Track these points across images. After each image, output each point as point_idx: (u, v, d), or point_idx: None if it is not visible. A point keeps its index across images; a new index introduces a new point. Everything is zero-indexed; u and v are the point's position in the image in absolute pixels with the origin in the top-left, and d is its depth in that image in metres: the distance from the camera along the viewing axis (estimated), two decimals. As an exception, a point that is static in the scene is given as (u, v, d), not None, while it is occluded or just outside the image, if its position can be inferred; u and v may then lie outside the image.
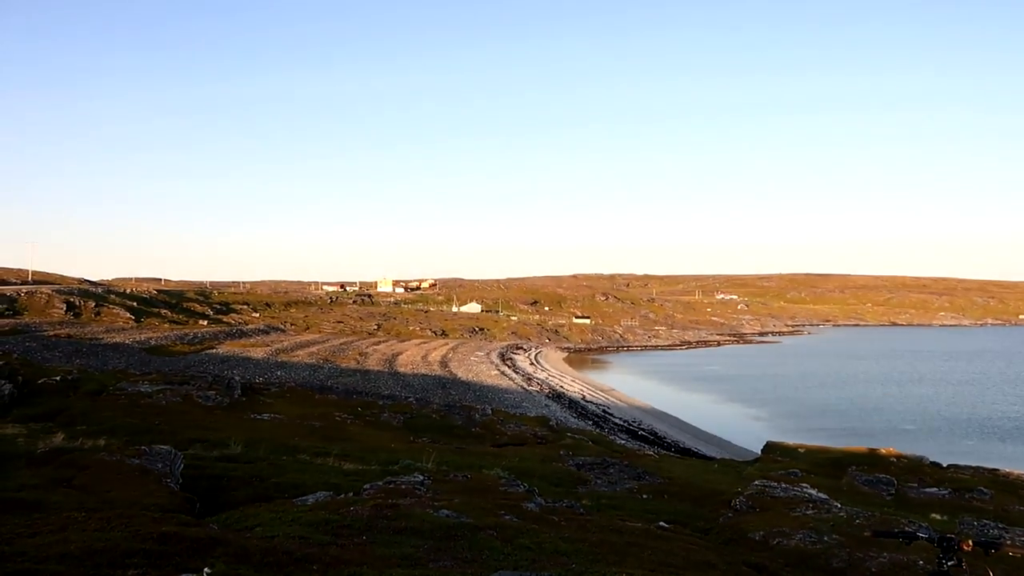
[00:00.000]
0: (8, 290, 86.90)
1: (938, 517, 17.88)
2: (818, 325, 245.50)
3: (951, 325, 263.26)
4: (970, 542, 3.70)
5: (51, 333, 69.24)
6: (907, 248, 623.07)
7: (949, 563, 3.67)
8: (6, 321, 71.20)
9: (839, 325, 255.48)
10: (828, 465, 29.63)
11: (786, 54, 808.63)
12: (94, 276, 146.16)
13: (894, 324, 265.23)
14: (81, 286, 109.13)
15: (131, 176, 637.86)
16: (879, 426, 58.32)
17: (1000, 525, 16.88)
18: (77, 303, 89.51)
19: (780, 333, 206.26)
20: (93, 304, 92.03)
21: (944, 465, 30.78)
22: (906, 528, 9.87)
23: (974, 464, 32.16)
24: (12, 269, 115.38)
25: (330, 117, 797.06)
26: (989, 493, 23.81)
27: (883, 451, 32.10)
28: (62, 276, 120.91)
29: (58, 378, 31.78)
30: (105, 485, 11.13)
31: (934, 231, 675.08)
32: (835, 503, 16.08)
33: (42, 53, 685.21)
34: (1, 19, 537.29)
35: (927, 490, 24.19)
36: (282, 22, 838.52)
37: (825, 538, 12.42)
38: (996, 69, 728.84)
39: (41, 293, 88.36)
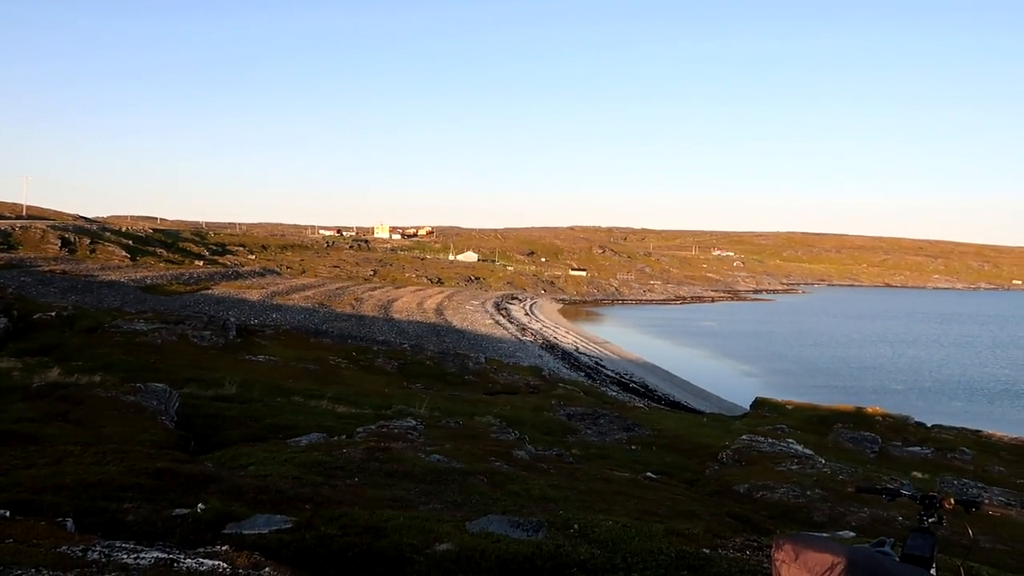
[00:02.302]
0: (2, 224, 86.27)
1: (919, 475, 18.23)
2: (813, 284, 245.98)
3: (944, 288, 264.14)
4: (952, 500, 3.75)
5: (46, 269, 69.02)
6: (904, 210, 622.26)
7: (930, 520, 3.72)
8: (0, 255, 70.89)
9: (834, 285, 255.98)
10: (815, 422, 30.06)
11: (785, 11, 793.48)
12: (89, 213, 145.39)
13: (888, 285, 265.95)
14: (76, 222, 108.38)
15: (128, 113, 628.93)
16: (869, 385, 58.96)
17: (979, 484, 17.24)
18: (72, 239, 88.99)
19: (775, 291, 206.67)
20: (88, 241, 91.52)
21: (929, 425, 31.26)
22: (889, 485, 10.05)
23: (959, 425, 32.65)
24: (6, 203, 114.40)
25: (330, 60, 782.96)
26: (971, 453, 24.24)
27: (869, 410, 32.55)
28: (57, 212, 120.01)
29: (53, 314, 31.81)
30: (100, 420, 11.24)
31: (932, 194, 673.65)
32: (819, 459, 16.36)
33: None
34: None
35: (910, 449, 24.61)
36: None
37: (808, 492, 12.66)
38: (997, 34, 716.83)
39: (36, 228, 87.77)
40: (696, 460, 17.86)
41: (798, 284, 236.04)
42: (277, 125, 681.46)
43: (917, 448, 24.71)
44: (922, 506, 3.81)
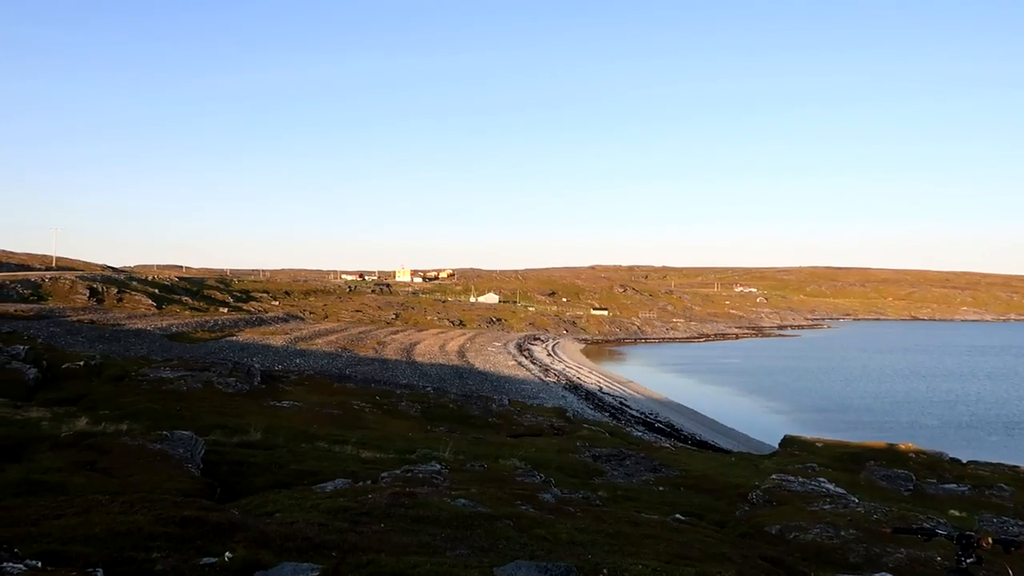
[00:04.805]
0: (33, 276, 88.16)
1: (956, 513, 17.72)
2: (838, 319, 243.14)
3: (974, 320, 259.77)
4: (989, 539, 3.67)
5: (74, 319, 70.21)
6: (929, 242, 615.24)
7: (968, 560, 3.64)
8: (31, 306, 72.26)
9: (859, 319, 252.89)
10: (846, 459, 29.44)
11: (804, 44, 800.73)
12: (116, 263, 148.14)
13: (915, 318, 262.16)
14: (104, 272, 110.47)
15: (153, 165, 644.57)
16: (903, 421, 57.73)
17: (1020, 522, 16.72)
18: (100, 289, 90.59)
19: (800, 327, 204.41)
20: (115, 290, 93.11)
21: (964, 461, 30.48)
22: (925, 524, 9.80)
23: (997, 460, 31.80)
24: (36, 255, 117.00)
25: (350, 107, 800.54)
26: (1009, 490, 23.55)
27: (902, 446, 31.85)
28: (85, 263, 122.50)
29: (81, 363, 32.26)
30: (128, 469, 11.30)
31: (957, 225, 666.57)
32: (852, 498, 15.99)
33: (64, 40, 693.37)
34: (26, 7, 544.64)
35: (946, 486, 23.97)
36: (299, 12, 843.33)
37: (842, 533, 12.36)
38: (1012, 64, 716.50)
39: (65, 279, 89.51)
40: (725, 501, 17.52)
41: (823, 319, 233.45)
42: (299, 173, 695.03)
43: (953, 485, 24.06)
44: (959, 546, 3.70)
